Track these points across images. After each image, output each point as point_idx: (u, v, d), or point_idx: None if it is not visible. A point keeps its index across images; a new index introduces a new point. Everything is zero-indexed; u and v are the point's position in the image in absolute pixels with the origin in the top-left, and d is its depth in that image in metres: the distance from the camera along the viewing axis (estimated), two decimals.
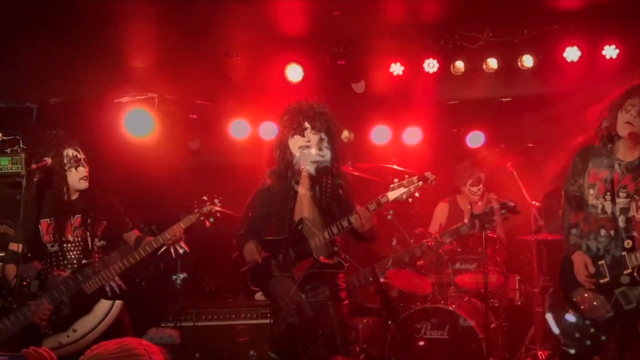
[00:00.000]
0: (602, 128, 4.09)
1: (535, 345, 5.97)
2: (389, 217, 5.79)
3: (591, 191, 4.08)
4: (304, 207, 4.47)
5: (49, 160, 4.54)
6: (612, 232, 3.99)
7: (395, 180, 4.18)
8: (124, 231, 4.85)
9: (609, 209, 3.99)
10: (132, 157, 6.42)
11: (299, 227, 4.39)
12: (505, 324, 6.05)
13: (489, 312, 5.61)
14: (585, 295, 4.02)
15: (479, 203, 6.53)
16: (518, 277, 6.24)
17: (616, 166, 4.04)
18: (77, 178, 4.62)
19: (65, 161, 4.58)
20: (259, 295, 5.96)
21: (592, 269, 3.99)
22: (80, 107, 6.42)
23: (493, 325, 5.76)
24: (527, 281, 6.20)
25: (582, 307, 4.04)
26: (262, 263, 4.49)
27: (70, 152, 4.60)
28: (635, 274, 3.88)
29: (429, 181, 4.16)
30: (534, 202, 5.98)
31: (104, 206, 4.74)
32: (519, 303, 6.21)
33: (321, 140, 4.43)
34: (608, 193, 4.00)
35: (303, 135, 4.40)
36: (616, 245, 3.96)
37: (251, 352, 5.68)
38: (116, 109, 6.48)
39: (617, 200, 3.97)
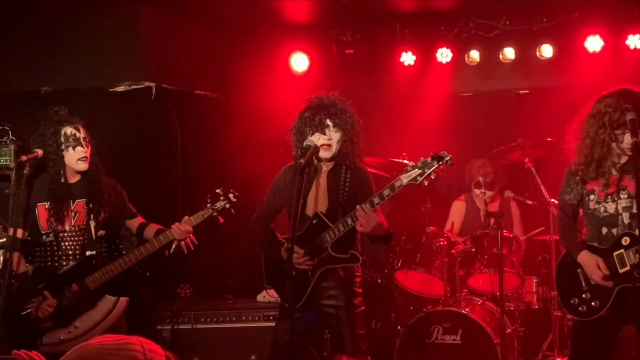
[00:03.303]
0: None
1: (553, 352, 5.94)
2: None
3: (591, 197, 4.14)
4: (320, 201, 4.45)
5: (40, 152, 4.45)
6: (614, 231, 4.04)
7: (410, 163, 4.14)
8: (127, 218, 4.77)
9: (611, 209, 4.06)
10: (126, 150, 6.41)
11: (314, 222, 4.37)
12: (521, 329, 6.01)
13: (504, 316, 5.58)
14: (583, 296, 4.07)
15: (495, 199, 6.53)
16: (535, 280, 6.19)
17: (613, 170, 4.09)
18: (74, 159, 4.47)
19: (62, 140, 4.45)
20: (260, 297, 5.99)
21: (604, 269, 4.00)
22: (73, 97, 6.41)
23: (509, 330, 5.72)
24: (545, 284, 6.15)
25: (580, 308, 4.09)
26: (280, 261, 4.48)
27: (68, 130, 4.46)
28: (635, 272, 3.92)
29: (445, 160, 4.05)
30: (552, 200, 5.94)
31: (108, 190, 4.62)
32: (537, 307, 6.16)
33: (343, 137, 4.40)
34: (609, 197, 4.07)
35: (324, 133, 4.38)
36: (615, 245, 4.01)
37: (252, 357, 5.66)
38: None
39: (619, 201, 4.04)
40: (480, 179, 6.45)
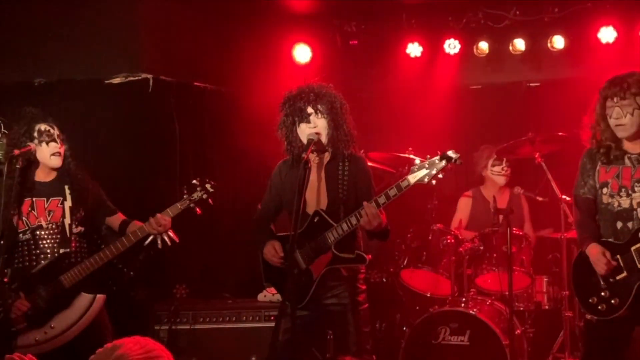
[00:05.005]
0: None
1: (564, 354, 5.91)
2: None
3: (604, 190, 4.13)
4: (320, 198, 4.41)
5: (33, 145, 4.52)
6: (629, 225, 4.03)
7: (417, 160, 4.11)
8: (107, 215, 4.80)
9: (625, 204, 4.05)
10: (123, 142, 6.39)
11: (315, 220, 4.33)
12: (531, 330, 5.99)
13: (513, 317, 5.55)
14: (602, 294, 4.04)
15: (504, 195, 6.50)
16: (546, 279, 6.16)
17: (626, 160, 4.10)
18: (47, 153, 4.54)
19: (35, 135, 4.52)
20: (261, 297, 5.97)
21: (610, 259, 3.99)
22: (68, 88, 6.39)
23: (518, 331, 5.70)
24: (556, 283, 6.13)
25: (599, 307, 4.05)
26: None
27: (42, 126, 4.54)
28: None
29: (453, 160, 4.01)
30: (564, 197, 5.92)
31: (83, 188, 4.67)
32: (547, 307, 6.13)
33: (330, 123, 4.37)
34: (622, 190, 4.06)
35: (309, 122, 4.36)
36: (633, 239, 3.99)
37: (253, 358, 5.65)
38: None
39: (634, 195, 4.03)
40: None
